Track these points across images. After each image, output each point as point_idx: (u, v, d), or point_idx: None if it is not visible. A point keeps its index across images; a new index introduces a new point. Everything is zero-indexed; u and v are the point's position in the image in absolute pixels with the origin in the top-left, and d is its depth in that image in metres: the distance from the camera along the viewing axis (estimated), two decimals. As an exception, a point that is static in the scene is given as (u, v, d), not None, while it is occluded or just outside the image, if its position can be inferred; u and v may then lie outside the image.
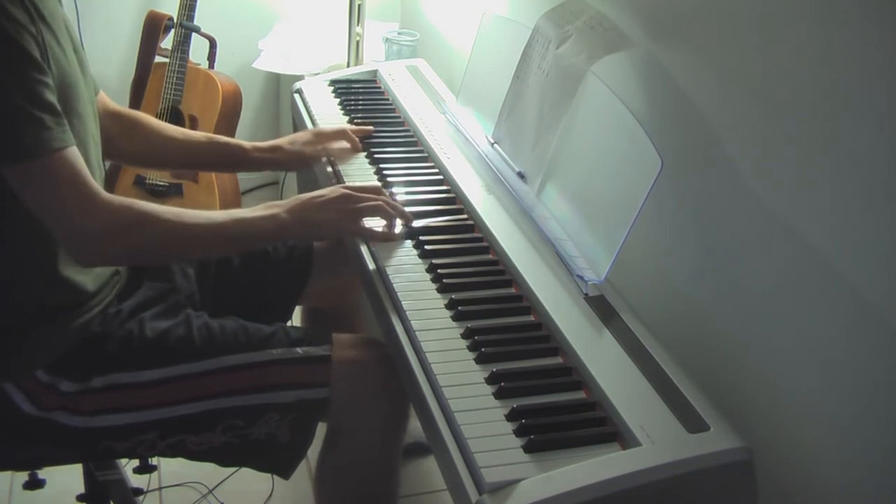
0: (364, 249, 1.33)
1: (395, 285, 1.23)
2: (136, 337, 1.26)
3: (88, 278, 1.25)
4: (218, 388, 1.24)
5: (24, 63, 1.08)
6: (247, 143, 1.56)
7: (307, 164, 1.61)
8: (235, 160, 1.56)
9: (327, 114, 1.79)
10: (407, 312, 1.18)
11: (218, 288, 1.48)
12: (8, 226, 1.17)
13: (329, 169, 1.57)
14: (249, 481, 1.79)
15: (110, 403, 1.23)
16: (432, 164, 1.58)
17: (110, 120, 1.46)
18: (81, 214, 1.13)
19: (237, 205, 2.68)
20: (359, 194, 1.32)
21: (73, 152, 1.12)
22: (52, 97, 1.10)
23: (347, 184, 1.38)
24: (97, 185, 1.15)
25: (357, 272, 1.36)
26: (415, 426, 1.25)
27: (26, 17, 1.08)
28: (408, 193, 1.47)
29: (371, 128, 1.69)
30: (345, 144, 1.62)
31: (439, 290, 1.23)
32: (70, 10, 2.62)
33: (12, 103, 1.07)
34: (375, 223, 1.35)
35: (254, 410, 1.24)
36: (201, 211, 1.25)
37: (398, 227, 1.36)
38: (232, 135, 2.60)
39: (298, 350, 1.27)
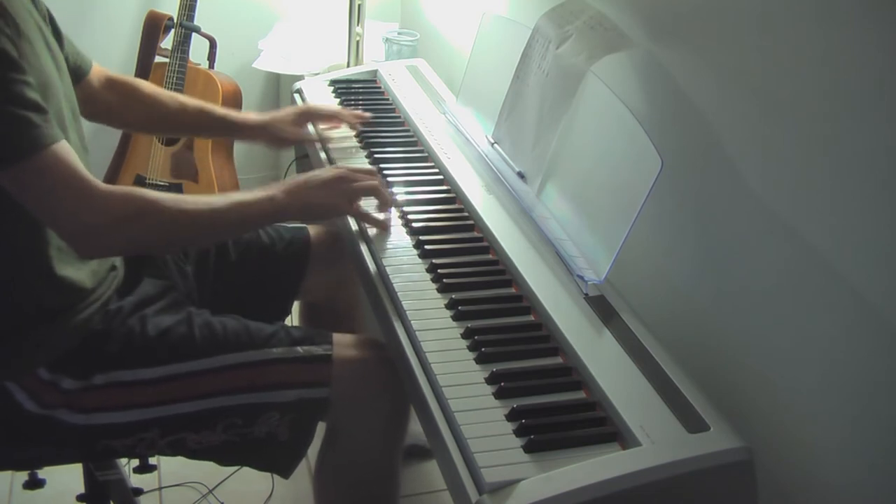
0: (364, 249, 1.33)
1: (395, 285, 1.23)
2: (138, 334, 1.26)
3: (85, 275, 1.25)
4: (218, 387, 1.24)
5: (3, 65, 1.07)
6: (238, 117, 1.59)
7: (287, 145, 1.66)
8: (226, 130, 1.63)
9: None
10: (407, 312, 1.18)
11: (216, 283, 1.48)
12: (1, 227, 1.17)
13: (323, 156, 1.59)
14: (249, 481, 1.79)
15: (111, 401, 1.23)
16: (432, 164, 1.58)
17: (109, 91, 1.48)
18: (80, 208, 1.13)
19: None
20: (354, 174, 1.34)
21: (64, 146, 1.12)
22: (34, 94, 1.10)
23: (343, 165, 1.39)
24: (93, 177, 1.15)
25: (356, 271, 1.37)
26: (416, 428, 1.25)
27: None
28: (408, 193, 1.47)
29: (369, 114, 1.70)
30: (340, 132, 1.64)
31: (439, 290, 1.23)
32: (67, 9, 2.62)
33: None
34: (370, 209, 1.37)
35: (254, 409, 1.24)
36: (201, 196, 1.25)
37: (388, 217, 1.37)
38: (232, 135, 2.60)
39: (299, 349, 1.27)
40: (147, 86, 1.54)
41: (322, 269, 1.55)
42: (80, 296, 1.24)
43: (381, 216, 1.37)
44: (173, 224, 1.21)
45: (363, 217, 1.36)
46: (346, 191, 1.32)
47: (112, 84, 1.49)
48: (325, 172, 1.34)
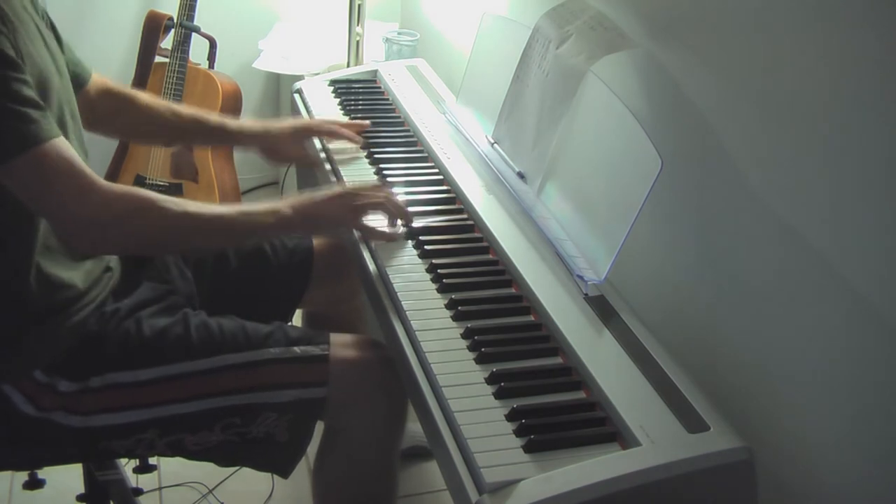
0: (364, 250, 1.33)
1: (395, 285, 1.23)
2: (134, 336, 1.26)
3: (78, 275, 1.24)
4: (216, 387, 1.24)
5: (1, 64, 1.07)
6: (234, 125, 1.57)
7: (283, 163, 1.64)
8: (222, 138, 1.62)
9: (327, 114, 1.79)
10: (407, 312, 1.18)
11: (216, 291, 1.47)
12: None
13: (328, 167, 1.57)
14: (249, 481, 1.79)
15: (108, 402, 1.23)
16: (432, 164, 1.58)
17: (107, 100, 1.47)
18: (79, 202, 1.13)
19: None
20: (360, 190, 1.34)
21: (62, 142, 1.12)
22: (31, 92, 1.10)
23: (351, 185, 1.37)
24: (93, 173, 1.15)
25: (357, 273, 1.36)
26: (416, 430, 1.25)
27: None
28: (408, 193, 1.47)
29: (367, 122, 1.68)
30: (342, 144, 1.61)
31: (439, 290, 1.23)
32: (66, 10, 2.62)
33: None
34: (377, 222, 1.35)
35: (252, 409, 1.24)
36: (205, 203, 1.25)
37: (399, 228, 1.36)
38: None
39: (296, 349, 1.27)
40: (143, 96, 1.53)
41: (325, 281, 1.54)
42: (73, 296, 1.23)
43: (388, 228, 1.35)
44: (174, 224, 1.21)
45: (369, 232, 1.34)
46: (351, 205, 1.32)
47: (109, 93, 1.48)
48: (331, 189, 1.34)
